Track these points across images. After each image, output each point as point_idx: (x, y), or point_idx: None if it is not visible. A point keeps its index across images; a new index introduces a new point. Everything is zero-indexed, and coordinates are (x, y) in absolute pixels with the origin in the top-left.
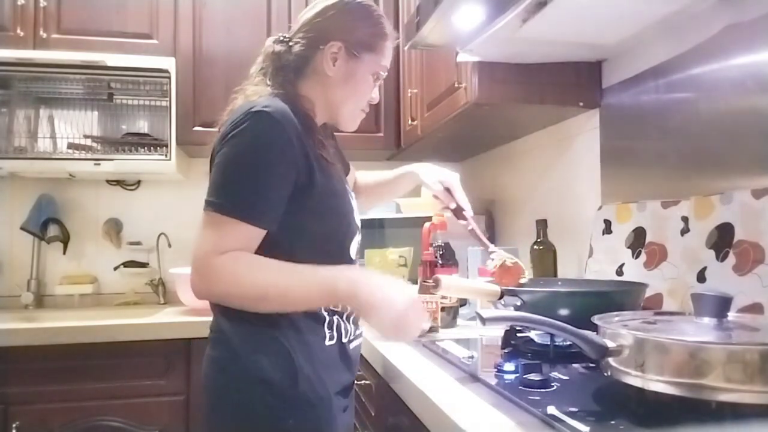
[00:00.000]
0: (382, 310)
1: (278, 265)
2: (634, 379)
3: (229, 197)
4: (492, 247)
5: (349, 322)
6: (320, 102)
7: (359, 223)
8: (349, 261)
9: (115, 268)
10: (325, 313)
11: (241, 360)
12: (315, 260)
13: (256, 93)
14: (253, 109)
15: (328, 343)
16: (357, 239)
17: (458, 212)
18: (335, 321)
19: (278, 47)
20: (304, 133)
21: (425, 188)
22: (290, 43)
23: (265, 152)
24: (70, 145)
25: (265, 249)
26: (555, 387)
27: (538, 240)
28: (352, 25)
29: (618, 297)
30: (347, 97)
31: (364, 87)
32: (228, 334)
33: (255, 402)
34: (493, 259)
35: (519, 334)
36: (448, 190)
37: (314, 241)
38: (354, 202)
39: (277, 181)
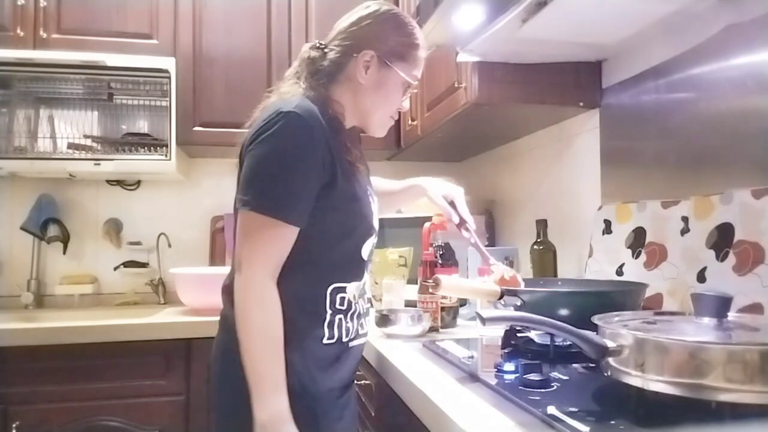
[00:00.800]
0: None
1: (277, 343)
2: (634, 379)
3: (266, 197)
4: (492, 260)
5: (352, 321)
6: (350, 108)
7: (377, 226)
8: (360, 261)
9: (115, 268)
10: (328, 312)
11: (231, 353)
12: (328, 256)
13: (289, 92)
14: (282, 110)
15: (326, 341)
16: (372, 241)
17: (461, 225)
18: (336, 320)
19: (313, 53)
20: (331, 134)
21: (429, 201)
22: (325, 50)
23: (296, 152)
24: (70, 145)
25: None
26: (555, 387)
27: (538, 240)
28: (385, 35)
29: (618, 297)
30: (377, 104)
31: (395, 95)
32: (231, 321)
33: (247, 388)
34: (493, 272)
35: (519, 334)
36: (452, 203)
37: (330, 239)
38: (375, 206)
39: (307, 180)
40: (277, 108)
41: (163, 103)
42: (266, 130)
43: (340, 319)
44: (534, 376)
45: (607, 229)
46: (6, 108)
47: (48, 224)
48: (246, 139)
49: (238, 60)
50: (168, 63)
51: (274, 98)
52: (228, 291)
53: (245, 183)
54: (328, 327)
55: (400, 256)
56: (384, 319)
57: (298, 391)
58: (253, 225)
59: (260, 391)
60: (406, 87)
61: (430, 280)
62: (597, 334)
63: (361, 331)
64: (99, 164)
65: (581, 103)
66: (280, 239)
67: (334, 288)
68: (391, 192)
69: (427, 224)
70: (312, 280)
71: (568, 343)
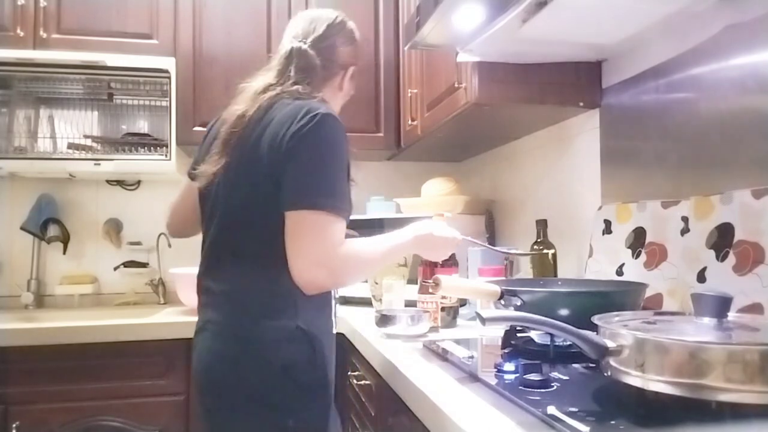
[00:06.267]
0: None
1: (370, 240)
2: (634, 379)
3: (336, 197)
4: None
5: (335, 316)
6: None
7: None
8: None
9: (115, 268)
10: (333, 302)
11: (261, 350)
12: None
13: (305, 93)
14: (320, 111)
15: (333, 331)
16: None
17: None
18: (335, 309)
19: (311, 52)
20: None
21: None
22: (317, 58)
23: (343, 153)
24: (70, 145)
25: None
26: (555, 387)
27: (538, 240)
28: (355, 50)
29: (618, 297)
30: (340, 105)
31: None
32: (238, 327)
33: (275, 388)
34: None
35: (519, 334)
36: None
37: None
38: None
39: (348, 180)
40: (314, 110)
41: (163, 103)
42: (317, 131)
43: (335, 308)
44: (534, 376)
45: (607, 229)
46: (6, 108)
47: (48, 224)
48: (276, 133)
49: (238, 60)
50: (168, 63)
51: (289, 100)
52: (237, 296)
53: (314, 184)
54: (334, 316)
55: None
56: (384, 319)
57: (324, 382)
58: (323, 223)
59: (402, 250)
60: None
61: (430, 280)
62: (597, 334)
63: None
64: (99, 164)
65: (581, 103)
66: (342, 232)
67: None
68: None
69: None
70: None
71: (568, 343)
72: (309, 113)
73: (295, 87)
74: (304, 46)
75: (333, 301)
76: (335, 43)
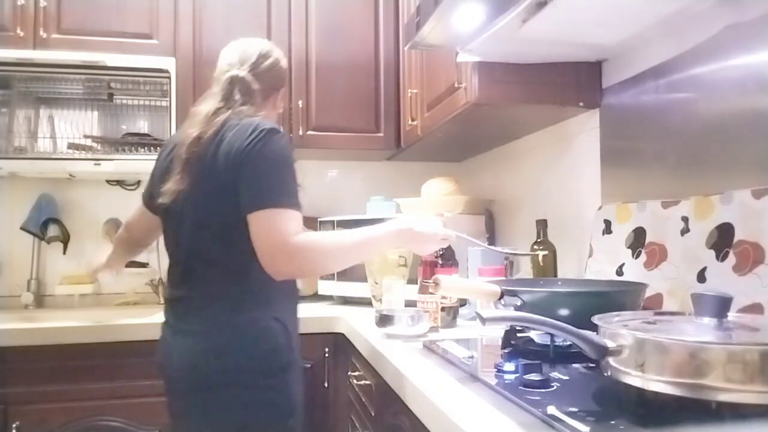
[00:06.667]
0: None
1: (340, 231)
2: (634, 379)
3: (286, 195)
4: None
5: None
6: None
7: None
8: None
9: None
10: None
11: (247, 336)
12: None
13: (249, 112)
14: (266, 127)
15: (298, 316)
16: None
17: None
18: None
19: (249, 78)
20: None
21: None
22: (254, 84)
23: (292, 160)
24: (70, 145)
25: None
26: (555, 387)
27: (538, 240)
28: (285, 75)
29: (618, 297)
30: (274, 120)
31: None
32: (221, 323)
33: (262, 370)
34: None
35: (519, 334)
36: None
37: None
38: None
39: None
40: (260, 126)
41: (163, 103)
42: (265, 144)
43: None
44: (534, 376)
45: (607, 229)
46: (6, 108)
47: (48, 224)
48: (230, 149)
49: None
50: (168, 63)
51: (236, 120)
52: (215, 299)
53: (265, 188)
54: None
55: (400, 256)
56: (384, 319)
57: (294, 361)
58: (278, 215)
59: (379, 243)
60: None
61: (430, 280)
62: (597, 334)
63: None
64: (99, 164)
65: (581, 103)
66: (300, 222)
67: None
68: None
69: None
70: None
71: (568, 343)
72: (256, 129)
73: (241, 108)
74: (243, 74)
75: (299, 295)
76: (268, 69)
